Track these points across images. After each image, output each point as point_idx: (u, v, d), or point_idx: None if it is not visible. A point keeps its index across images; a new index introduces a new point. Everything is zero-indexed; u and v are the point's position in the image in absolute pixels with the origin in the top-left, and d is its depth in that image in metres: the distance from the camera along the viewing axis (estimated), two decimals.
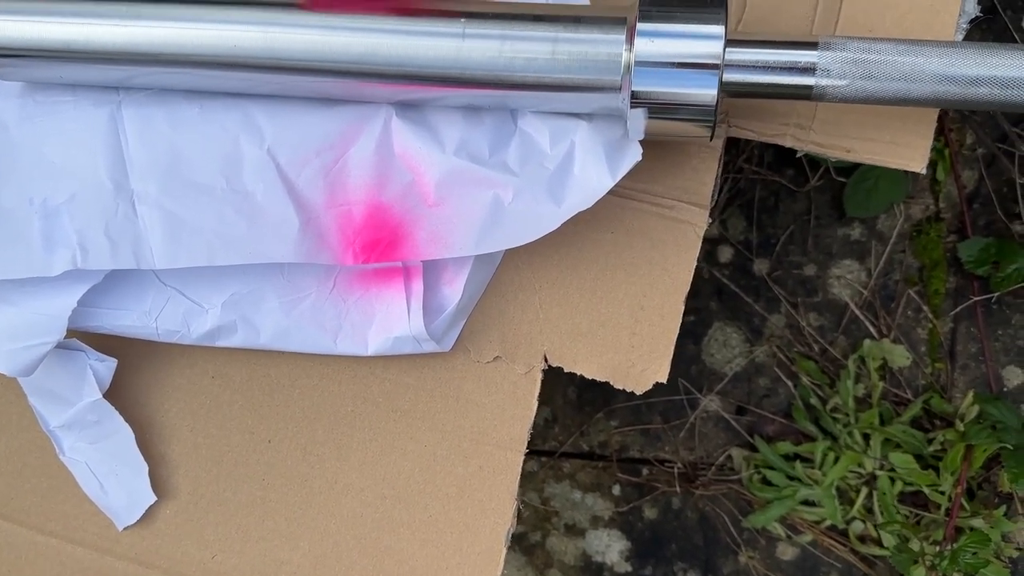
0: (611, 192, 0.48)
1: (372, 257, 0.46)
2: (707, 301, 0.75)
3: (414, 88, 0.46)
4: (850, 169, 0.73)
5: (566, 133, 0.47)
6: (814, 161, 0.74)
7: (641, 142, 0.47)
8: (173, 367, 0.51)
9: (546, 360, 0.48)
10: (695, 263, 0.48)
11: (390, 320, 0.47)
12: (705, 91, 0.42)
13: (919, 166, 0.48)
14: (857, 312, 0.73)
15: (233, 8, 0.46)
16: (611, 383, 0.48)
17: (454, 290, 0.47)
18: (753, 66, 0.43)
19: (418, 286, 0.47)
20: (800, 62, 0.43)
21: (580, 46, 0.43)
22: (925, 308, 0.73)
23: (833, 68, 0.42)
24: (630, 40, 0.42)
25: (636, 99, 0.42)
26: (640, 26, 0.42)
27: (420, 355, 0.48)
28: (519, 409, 0.48)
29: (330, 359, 0.49)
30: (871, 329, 0.73)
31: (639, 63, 0.42)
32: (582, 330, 0.48)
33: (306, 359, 0.49)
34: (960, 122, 0.74)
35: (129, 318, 0.48)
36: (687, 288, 0.48)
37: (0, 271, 0.47)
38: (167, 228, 0.47)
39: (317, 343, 0.48)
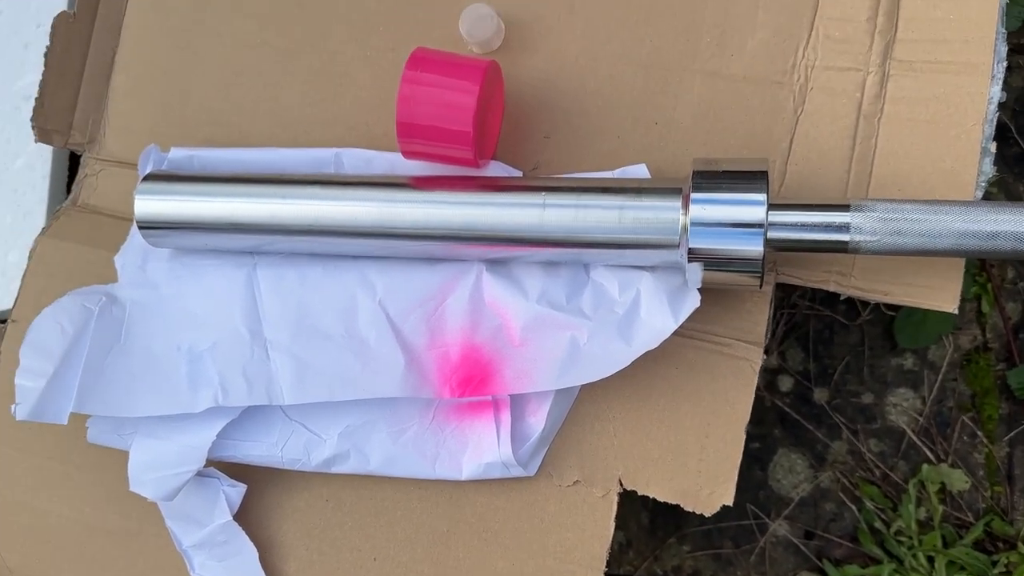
0: (677, 332, 0.55)
1: (467, 392, 0.53)
2: (771, 428, 0.80)
3: (504, 248, 0.54)
4: (899, 305, 0.78)
5: (633, 283, 0.54)
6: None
7: (699, 290, 0.54)
8: (293, 492, 0.57)
9: (621, 484, 0.54)
10: (753, 395, 0.53)
11: (481, 448, 0.53)
12: (752, 248, 0.49)
13: (951, 306, 0.53)
14: (914, 438, 0.77)
15: (354, 188, 0.55)
16: (682, 505, 0.53)
17: (538, 420, 0.54)
18: (794, 226, 0.50)
19: (506, 417, 0.53)
20: (836, 222, 0.49)
21: (643, 212, 0.51)
22: (980, 434, 0.76)
23: (865, 226, 0.49)
24: (685, 206, 0.50)
25: (692, 255, 0.49)
26: (694, 195, 0.49)
27: (508, 479, 0.55)
28: (598, 529, 0.53)
29: (429, 483, 0.56)
30: (929, 454, 0.76)
31: (694, 224, 0.49)
32: (653, 456, 0.54)
33: (408, 483, 0.56)
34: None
35: (259, 449, 0.55)
36: (747, 417, 0.53)
37: (152, 408, 0.55)
38: (295, 370, 0.54)
39: (418, 469, 0.54)
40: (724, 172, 0.50)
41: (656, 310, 0.52)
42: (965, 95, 0.54)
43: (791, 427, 0.79)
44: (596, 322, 0.53)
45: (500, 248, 0.54)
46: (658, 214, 0.51)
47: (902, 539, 0.74)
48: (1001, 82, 0.54)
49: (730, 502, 0.52)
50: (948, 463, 0.76)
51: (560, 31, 0.59)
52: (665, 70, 0.58)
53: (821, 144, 0.56)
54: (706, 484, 0.53)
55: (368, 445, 0.55)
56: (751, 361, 0.54)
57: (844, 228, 0.49)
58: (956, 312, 0.53)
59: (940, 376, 0.77)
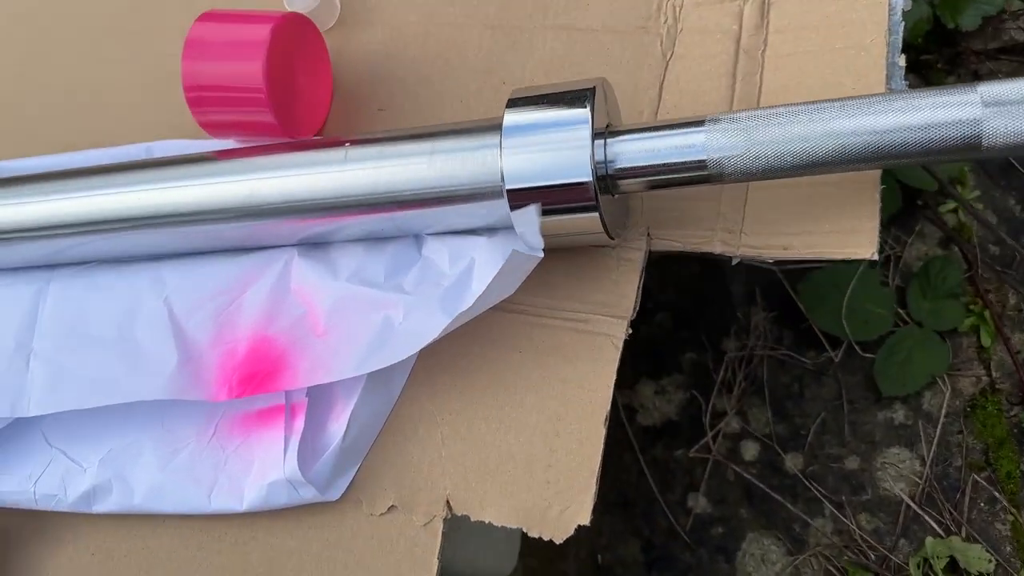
0: (522, 311, 0.44)
1: (249, 390, 0.42)
2: (736, 508, 0.64)
3: (307, 221, 0.44)
4: (876, 344, 0.64)
5: (466, 251, 0.43)
6: (834, 338, 0.66)
7: (552, 255, 0.43)
8: (57, 544, 0.45)
9: (449, 507, 0.40)
10: (614, 376, 0.40)
11: (266, 466, 0.41)
12: (580, 173, 0.38)
13: (868, 251, 0.41)
14: (916, 508, 0.60)
15: (133, 172, 0.48)
16: (525, 530, 0.39)
17: (339, 426, 0.41)
18: (638, 151, 0.40)
19: (299, 424, 0.41)
20: (687, 142, 0.39)
21: (455, 154, 0.41)
22: (1000, 496, 0.59)
23: (723, 140, 0.38)
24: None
25: (513, 196, 0.39)
26: (506, 123, 0.40)
27: (307, 513, 0.42)
28: (417, 571, 0.39)
29: (210, 525, 0.43)
30: (936, 527, 0.59)
31: (507, 152, 0.39)
32: (490, 467, 0.40)
33: (187, 527, 0.43)
34: (997, 282, 0.65)
35: (10, 483, 0.45)
36: (607, 406, 0.40)
37: None
38: (49, 378, 0.45)
39: (191, 501, 0.42)
40: (542, 96, 0.40)
41: (489, 277, 0.41)
42: (861, 6, 0.44)
43: (761, 504, 0.64)
44: (415, 296, 0.42)
45: (303, 221, 0.44)
46: (472, 154, 0.41)
47: None
48: None
49: (586, 521, 0.38)
50: (962, 536, 0.58)
51: (400, 1, 0.53)
52: (514, 28, 0.50)
53: (695, 88, 0.46)
54: (557, 499, 0.39)
55: (133, 472, 0.43)
56: (613, 336, 0.42)
57: (698, 147, 0.39)
58: (876, 259, 0.40)
59: (939, 428, 0.62)
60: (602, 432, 0.40)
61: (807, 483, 0.63)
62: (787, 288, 0.68)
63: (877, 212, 0.42)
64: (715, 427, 0.66)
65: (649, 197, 0.45)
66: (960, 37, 0.71)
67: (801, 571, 0.61)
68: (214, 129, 0.48)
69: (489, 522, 0.40)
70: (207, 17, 0.47)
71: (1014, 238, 0.65)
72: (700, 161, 0.39)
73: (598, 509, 0.67)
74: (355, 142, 0.44)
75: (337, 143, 0.44)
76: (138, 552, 0.44)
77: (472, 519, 0.40)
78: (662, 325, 0.72)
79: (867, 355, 0.65)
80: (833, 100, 0.38)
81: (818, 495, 0.62)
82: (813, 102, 0.38)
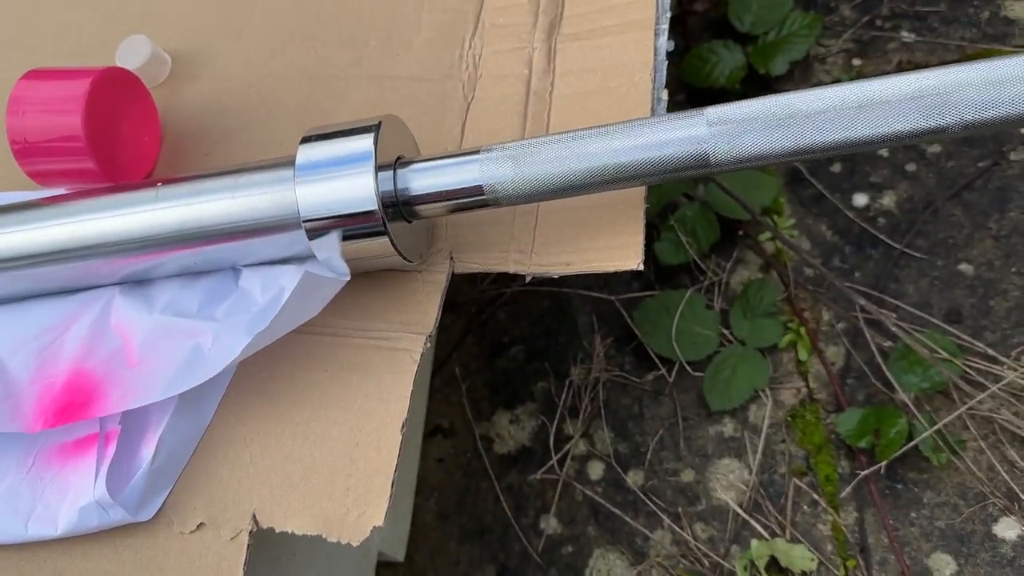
0: (331, 333, 0.47)
1: (62, 420, 0.44)
2: (583, 527, 0.67)
3: (124, 260, 0.46)
4: (705, 363, 0.69)
5: (276, 279, 0.46)
6: (668, 360, 0.70)
7: (364, 280, 0.46)
8: None
9: (256, 521, 0.42)
10: (411, 387, 0.43)
11: (80, 492, 0.43)
12: (365, 200, 0.42)
13: (634, 263, 0.45)
14: (743, 515, 0.64)
15: None
16: (324, 536, 0.41)
17: (149, 450, 0.43)
18: (421, 176, 0.43)
19: (110, 450, 0.43)
20: (466, 169, 0.43)
21: (256, 188, 0.44)
22: (820, 499, 0.63)
23: (496, 167, 0.42)
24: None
25: (309, 224, 0.42)
26: (299, 159, 0.43)
27: (121, 535, 0.43)
28: None
29: (32, 554, 0.44)
30: (763, 531, 0.63)
31: (300, 184, 0.42)
32: (294, 480, 0.43)
33: (6, 558, 0.44)
34: (812, 301, 0.70)
35: None
36: (404, 415, 0.43)
37: None
38: None
39: (8, 530, 0.43)
40: (333, 132, 0.44)
41: (296, 302, 0.44)
42: (631, 50, 0.50)
43: (606, 521, 0.67)
44: (225, 324, 0.45)
45: (120, 260, 0.47)
46: (271, 188, 0.44)
47: None
48: (666, 34, 0.50)
49: (380, 522, 0.41)
50: (787, 538, 0.62)
51: (227, 55, 0.56)
52: (331, 78, 0.54)
53: (492, 126, 0.51)
54: (355, 505, 0.42)
55: None
56: (411, 351, 0.45)
57: (473, 172, 0.43)
58: (641, 268, 0.44)
59: (763, 439, 0.66)
60: (398, 439, 0.43)
61: (646, 498, 0.66)
62: (625, 316, 0.73)
63: (641, 228, 0.46)
64: (564, 450, 0.69)
65: (451, 224, 0.49)
66: (773, 82, 0.78)
67: None
68: (43, 179, 0.51)
69: (292, 532, 0.42)
70: (31, 75, 0.50)
71: (825, 261, 0.71)
72: (477, 187, 0.43)
73: (457, 538, 0.70)
74: (167, 182, 0.47)
75: (150, 184, 0.47)
76: None
77: (276, 530, 0.42)
78: (516, 358, 0.75)
79: (697, 373, 0.69)
80: (589, 128, 0.42)
81: (656, 509, 0.66)
82: (572, 131, 0.43)
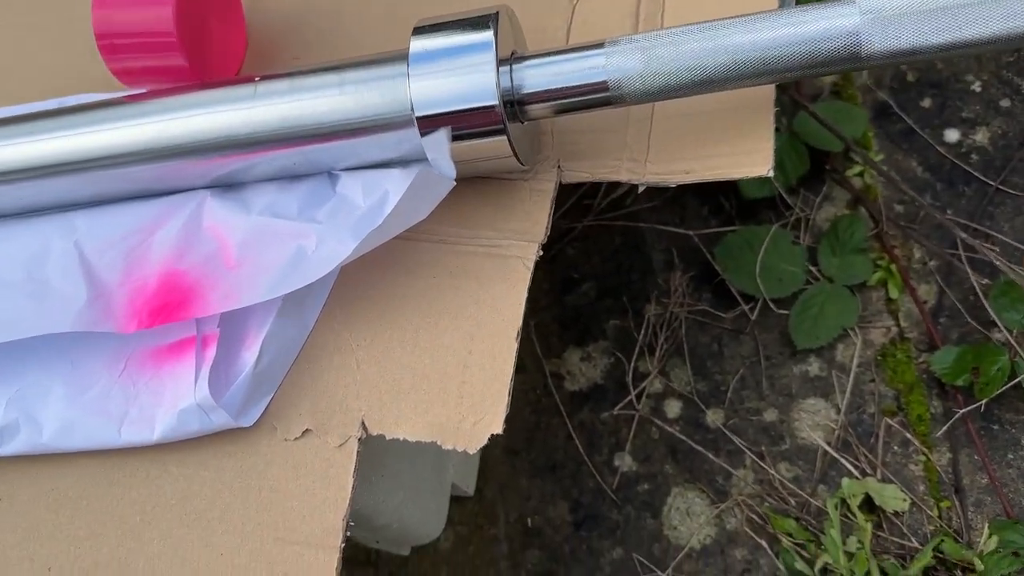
0: (438, 240, 0.44)
1: (160, 320, 0.41)
2: (661, 465, 0.65)
3: (220, 159, 0.44)
4: (790, 301, 0.66)
5: (379, 183, 0.44)
6: (751, 297, 0.68)
7: (468, 188, 0.43)
8: None
9: (364, 427, 0.40)
10: (525, 294, 0.41)
11: (178, 396, 0.41)
12: (487, 100, 0.39)
13: (764, 168, 0.43)
14: (833, 453, 0.62)
15: (48, 119, 0.47)
16: (439, 443, 0.39)
17: (252, 354, 0.41)
18: (540, 74, 0.41)
19: (211, 353, 0.41)
20: (589, 63, 0.40)
21: (365, 84, 0.42)
22: (912, 439, 0.61)
23: (623, 60, 0.40)
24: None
25: (423, 122, 0.40)
26: (412, 49, 0.40)
27: (221, 443, 0.41)
28: (332, 491, 0.39)
29: (122, 461, 0.42)
30: (853, 471, 0.61)
31: (415, 78, 0.40)
32: (404, 388, 0.41)
33: (97, 466, 0.42)
34: (903, 238, 0.68)
35: None
36: (518, 323, 0.41)
37: None
38: None
39: (101, 435, 0.41)
40: (448, 23, 0.42)
41: (403, 204, 0.41)
42: None
43: (684, 459, 0.65)
44: (328, 226, 0.42)
45: (214, 160, 0.44)
46: (381, 83, 0.42)
47: None
48: None
49: (499, 430, 0.39)
50: (878, 478, 0.60)
51: None
52: None
53: (600, 25, 0.48)
54: (470, 412, 0.40)
55: (42, 411, 0.42)
56: (524, 258, 0.42)
57: (599, 68, 0.40)
58: (771, 175, 0.42)
59: (852, 378, 0.64)
60: (514, 347, 0.40)
61: (728, 435, 0.64)
62: (704, 252, 0.70)
63: (771, 133, 0.44)
64: (639, 387, 0.67)
65: (560, 131, 0.47)
66: None
67: (724, 520, 0.62)
68: (128, 77, 0.48)
69: (404, 439, 0.40)
70: None
71: (917, 196, 0.68)
72: (602, 83, 0.41)
73: (527, 474, 0.68)
74: (265, 77, 0.44)
75: (247, 80, 0.45)
76: (45, 495, 0.42)
77: (387, 437, 0.40)
78: (587, 295, 0.73)
79: (782, 312, 0.67)
80: (724, 19, 0.40)
81: (739, 446, 0.64)
82: (706, 22, 0.40)
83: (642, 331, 0.69)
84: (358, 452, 0.40)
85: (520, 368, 0.71)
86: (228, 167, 0.45)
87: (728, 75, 0.39)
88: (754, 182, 0.68)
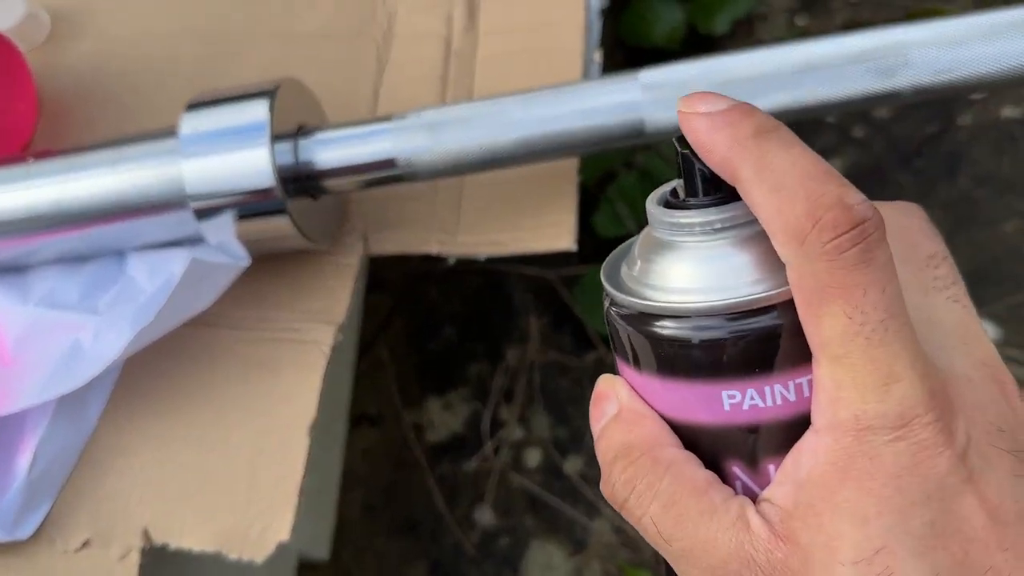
0: (230, 326, 0.42)
1: None
2: (521, 517, 0.64)
3: None
4: None
5: (165, 264, 0.41)
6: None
7: (267, 265, 0.41)
8: None
9: (148, 537, 0.38)
10: (320, 384, 0.39)
11: None
12: (262, 180, 0.37)
13: (566, 243, 0.42)
14: None
15: None
16: (224, 553, 0.37)
17: (26, 459, 0.38)
18: (327, 146, 0.39)
19: None
20: (377, 140, 0.38)
21: (138, 163, 0.39)
22: None
23: (411, 139, 0.38)
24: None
25: (198, 205, 0.38)
26: (183, 128, 0.38)
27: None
28: None
29: None
30: None
31: (188, 163, 0.37)
32: (189, 492, 0.38)
33: None
34: None
35: None
36: (312, 415, 0.39)
37: None
38: None
39: None
40: (222, 98, 0.39)
41: (186, 289, 0.39)
42: (561, 7, 0.46)
43: (544, 510, 0.63)
44: (107, 317, 0.40)
45: None
46: (155, 161, 0.39)
47: None
48: None
49: (286, 537, 0.37)
50: None
51: (112, 14, 0.50)
52: (227, 37, 0.49)
53: (409, 91, 0.46)
54: (258, 518, 0.37)
55: None
56: (321, 343, 0.40)
57: (386, 143, 0.38)
58: (575, 249, 0.41)
59: None
60: (306, 443, 0.38)
61: (584, 487, 0.63)
62: (562, 294, 0.69)
63: (574, 206, 0.42)
64: (499, 437, 0.66)
65: (365, 201, 0.44)
66: (714, 41, 0.74)
67: (582, 573, 0.61)
68: None
69: (190, 549, 0.37)
70: None
71: None
72: (390, 159, 0.39)
73: (385, 533, 0.66)
74: (39, 156, 0.42)
75: (19, 160, 0.42)
76: None
77: (171, 547, 0.37)
78: (447, 340, 0.71)
79: None
80: (514, 94, 0.38)
81: (596, 497, 0.63)
82: (494, 97, 0.38)
83: (500, 377, 0.67)
84: (141, 565, 0.37)
85: (378, 420, 0.69)
86: (5, 252, 0.42)
87: (514, 153, 0.37)
88: (606, 221, 0.67)
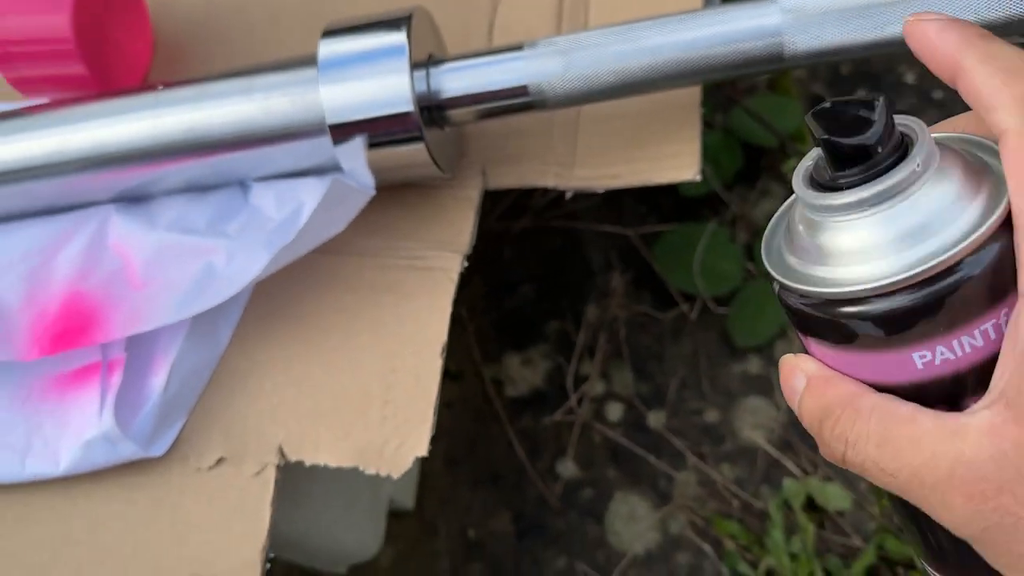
0: (358, 253, 0.42)
1: (60, 346, 0.39)
2: (603, 469, 0.64)
3: (121, 173, 0.42)
4: (729, 299, 0.66)
5: (293, 194, 0.42)
6: (690, 296, 0.67)
7: (390, 197, 0.42)
8: None
9: (282, 454, 0.38)
10: (450, 308, 0.40)
11: (83, 425, 0.38)
12: (402, 106, 0.38)
13: (691, 172, 0.42)
14: (774, 452, 0.61)
15: None
16: (360, 468, 0.37)
17: (160, 379, 0.39)
18: (462, 79, 0.39)
19: (116, 379, 0.39)
20: (509, 67, 0.39)
21: (275, 91, 0.40)
22: None
23: (545, 65, 0.38)
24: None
25: (336, 131, 0.38)
26: (321, 53, 0.39)
27: (131, 474, 0.39)
28: (249, 524, 0.37)
29: (28, 496, 0.40)
30: (794, 469, 0.60)
31: (327, 89, 0.38)
32: (323, 410, 0.39)
33: (2, 501, 0.40)
34: None
35: None
36: (443, 339, 0.39)
37: None
38: None
39: (3, 469, 0.39)
40: (359, 25, 0.40)
41: (317, 216, 0.39)
42: None
43: (627, 463, 0.64)
44: (239, 241, 0.40)
45: (117, 172, 0.42)
46: (291, 89, 0.40)
47: None
48: None
49: (424, 452, 0.37)
50: (819, 477, 0.60)
51: None
52: None
53: (525, 25, 0.46)
54: (393, 435, 0.38)
55: None
56: (448, 271, 0.41)
57: (519, 72, 0.38)
58: (698, 179, 0.41)
59: None
60: (439, 364, 0.39)
61: (670, 438, 0.63)
62: (642, 252, 0.69)
63: (698, 135, 0.43)
64: (581, 391, 0.66)
65: (483, 136, 0.45)
66: None
67: (668, 525, 0.62)
68: (26, 87, 0.46)
69: (325, 464, 0.38)
70: None
71: None
72: (521, 87, 0.39)
73: (468, 485, 0.66)
74: (169, 85, 0.42)
75: (150, 88, 0.43)
76: None
77: (306, 463, 0.38)
78: (525, 297, 0.72)
79: (721, 310, 0.66)
80: (645, 20, 0.38)
81: (681, 449, 0.63)
82: (626, 23, 0.39)
83: (581, 334, 0.68)
84: (276, 481, 0.38)
85: (458, 376, 0.69)
86: (132, 180, 0.42)
87: (650, 77, 0.38)
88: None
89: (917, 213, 0.21)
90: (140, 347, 0.40)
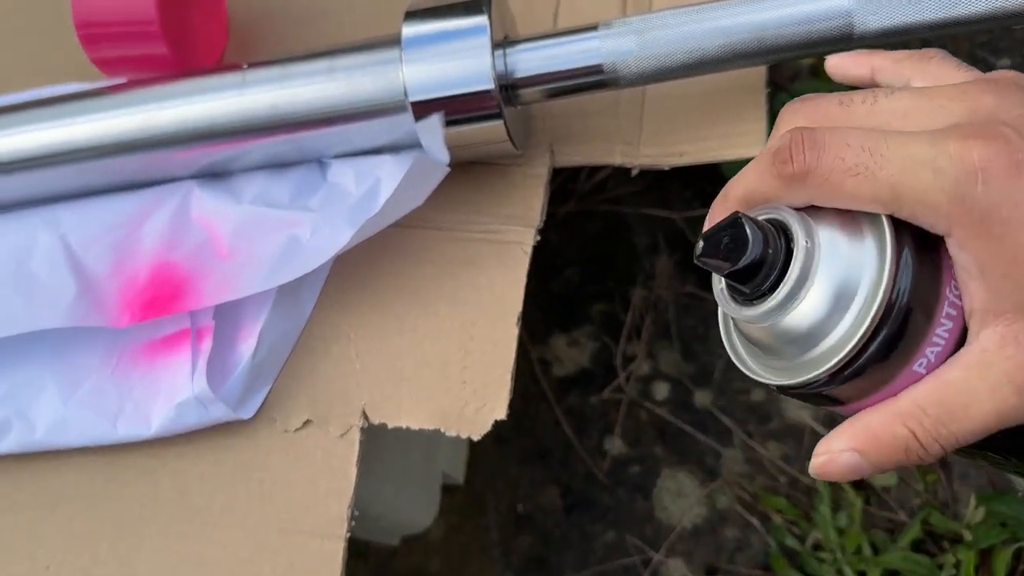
0: (433, 227, 0.44)
1: (151, 313, 0.41)
2: (651, 447, 0.65)
3: (206, 148, 0.43)
4: None
5: (371, 170, 0.43)
6: None
7: (461, 175, 0.43)
8: None
9: (365, 416, 0.40)
10: (524, 280, 0.41)
11: (174, 389, 0.40)
12: (483, 84, 0.39)
13: (757, 150, 0.43)
14: (821, 430, 0.62)
15: (31, 110, 0.46)
16: (443, 430, 0.39)
17: (249, 345, 0.41)
18: (537, 58, 0.41)
19: (206, 345, 0.40)
20: (583, 46, 0.40)
21: (357, 70, 0.41)
22: None
23: (617, 44, 0.40)
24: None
25: (417, 107, 0.40)
26: (405, 33, 0.40)
27: (219, 436, 0.41)
28: (335, 482, 0.39)
29: (118, 456, 0.41)
30: None
31: (408, 63, 0.39)
32: (405, 375, 0.40)
33: (93, 463, 0.42)
34: None
35: None
36: (519, 308, 0.41)
37: None
38: None
39: (96, 431, 0.41)
40: (440, 7, 0.41)
41: (398, 192, 0.41)
42: None
43: (674, 440, 0.65)
44: (322, 214, 0.42)
45: (202, 149, 0.44)
46: (374, 68, 0.41)
47: (823, 555, 0.58)
48: None
49: (503, 415, 0.39)
50: None
51: None
52: None
53: (590, 8, 0.47)
54: (473, 398, 0.39)
55: (33, 408, 0.41)
56: (522, 244, 0.42)
57: (593, 51, 0.40)
58: None
59: None
60: (515, 331, 0.40)
61: (717, 416, 0.65)
62: (688, 235, 0.71)
63: (764, 114, 0.44)
64: (627, 370, 0.67)
65: (550, 116, 0.46)
66: None
67: (715, 500, 0.63)
68: (110, 67, 0.47)
69: (407, 427, 0.40)
70: None
71: None
72: (596, 65, 0.40)
73: (516, 461, 0.68)
74: (253, 65, 0.44)
75: (234, 67, 0.44)
76: (43, 493, 0.42)
77: (389, 426, 0.40)
78: (570, 280, 0.73)
79: None
80: (714, 1, 0.40)
81: (728, 426, 0.64)
82: (696, 4, 0.40)
83: (628, 314, 0.69)
84: (361, 442, 0.40)
85: None
86: (216, 156, 0.44)
87: (722, 57, 0.39)
88: (735, 164, 0.69)
89: (832, 282, 0.23)
90: (228, 315, 0.41)
